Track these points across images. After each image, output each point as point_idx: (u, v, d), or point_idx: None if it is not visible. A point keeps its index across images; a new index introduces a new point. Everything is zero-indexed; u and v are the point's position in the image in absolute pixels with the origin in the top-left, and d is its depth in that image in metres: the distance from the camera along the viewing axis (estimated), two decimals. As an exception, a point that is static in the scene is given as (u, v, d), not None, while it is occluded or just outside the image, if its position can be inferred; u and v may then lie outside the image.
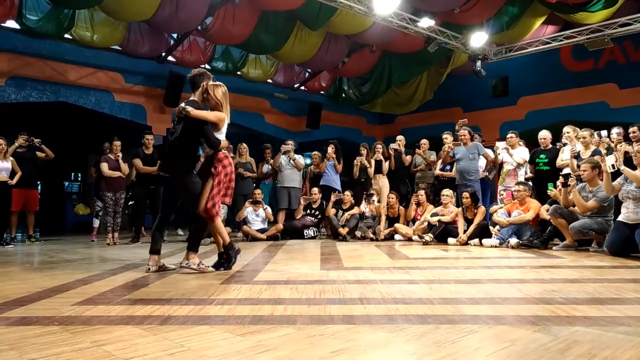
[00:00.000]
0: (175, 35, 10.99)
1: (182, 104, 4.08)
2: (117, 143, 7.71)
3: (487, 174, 8.13)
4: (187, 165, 4.15)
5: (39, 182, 8.73)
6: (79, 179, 14.93)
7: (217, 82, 4.34)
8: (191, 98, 4.22)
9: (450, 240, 6.85)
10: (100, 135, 8.51)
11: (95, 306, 2.83)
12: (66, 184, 14.76)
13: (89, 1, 8.64)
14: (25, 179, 7.59)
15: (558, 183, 6.15)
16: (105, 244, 7.42)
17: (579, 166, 6.08)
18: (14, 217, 7.68)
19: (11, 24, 9.07)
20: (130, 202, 8.75)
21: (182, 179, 4.11)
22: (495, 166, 8.27)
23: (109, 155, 7.71)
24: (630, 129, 6.61)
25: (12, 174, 7.33)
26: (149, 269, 4.16)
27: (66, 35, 9.57)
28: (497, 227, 6.69)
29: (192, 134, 4.09)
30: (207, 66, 11.90)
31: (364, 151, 9.01)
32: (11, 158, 7.37)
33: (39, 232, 9.31)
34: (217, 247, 4.42)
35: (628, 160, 5.73)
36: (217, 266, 4.30)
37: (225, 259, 4.32)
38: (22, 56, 9.35)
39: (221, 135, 4.19)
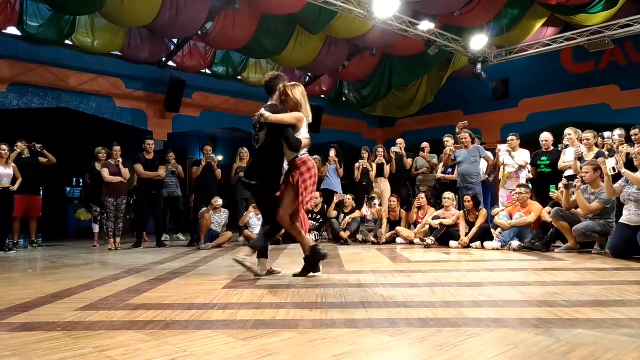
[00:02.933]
0: (175, 41, 11.03)
1: (261, 109, 4.02)
2: (117, 148, 7.72)
3: (488, 176, 8.13)
4: (274, 171, 4.14)
5: (41, 188, 8.72)
6: (81, 184, 14.94)
7: (294, 82, 4.32)
8: (269, 102, 4.20)
9: (452, 243, 6.85)
10: (101, 141, 8.53)
11: (98, 311, 2.83)
12: (68, 189, 14.78)
13: (89, 7, 8.67)
14: (28, 184, 7.62)
15: (560, 185, 6.15)
16: (107, 249, 7.42)
17: (581, 168, 6.07)
18: (16, 222, 7.69)
19: (12, 30, 9.09)
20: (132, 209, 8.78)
21: (268, 186, 4.11)
22: (496, 169, 8.27)
23: (110, 160, 7.73)
24: (632, 131, 6.61)
25: (15, 180, 7.36)
26: (260, 272, 4.04)
27: (67, 42, 9.60)
28: (499, 229, 6.69)
29: (275, 139, 4.05)
30: (207, 71, 11.96)
31: (365, 154, 9.03)
32: (13, 164, 7.39)
33: (42, 238, 9.31)
34: (303, 251, 4.25)
35: (629, 162, 5.72)
36: (304, 271, 4.15)
37: (310, 265, 4.16)
38: (24, 62, 9.38)
39: (301, 135, 4.09)
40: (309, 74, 13.74)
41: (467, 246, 6.70)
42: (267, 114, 3.94)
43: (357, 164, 9.00)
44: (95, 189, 8.13)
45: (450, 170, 8.22)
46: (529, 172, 7.70)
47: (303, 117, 4.11)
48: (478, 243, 6.66)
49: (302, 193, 4.01)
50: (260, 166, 4.15)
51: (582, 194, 5.79)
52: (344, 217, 8.23)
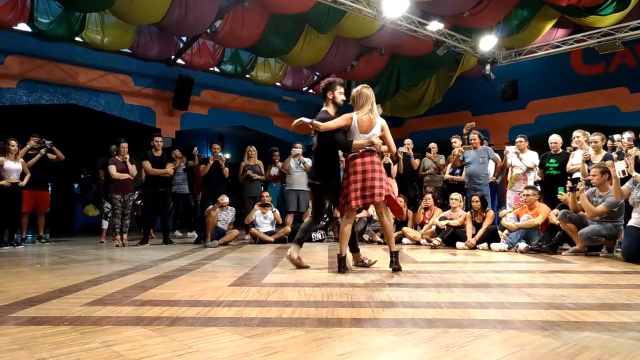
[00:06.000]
0: (184, 39, 11.06)
1: (311, 120, 4.48)
2: (124, 145, 7.74)
3: (495, 178, 8.10)
4: (331, 170, 4.62)
5: (49, 184, 8.77)
6: (89, 180, 15.01)
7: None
8: (323, 108, 4.74)
9: (459, 244, 6.82)
10: (110, 138, 8.57)
11: (105, 307, 2.85)
12: (76, 185, 14.86)
13: (99, 4, 8.72)
14: (36, 180, 7.66)
15: (567, 187, 6.11)
16: (114, 245, 7.46)
17: (589, 171, 6.03)
18: (24, 218, 7.75)
19: (23, 27, 9.15)
20: (139, 202, 8.80)
21: (328, 183, 4.56)
22: (504, 170, 8.24)
23: (117, 157, 7.76)
24: (642, 134, 6.56)
25: (23, 175, 7.41)
26: (290, 254, 4.52)
27: (77, 38, 9.66)
28: (506, 231, 6.66)
29: (325, 142, 4.56)
30: (216, 69, 11.99)
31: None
32: (21, 159, 7.45)
33: (49, 233, 9.38)
34: (389, 246, 4.44)
35: (639, 165, 5.68)
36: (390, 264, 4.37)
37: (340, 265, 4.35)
38: (34, 59, 9.45)
39: (353, 136, 4.43)
40: (317, 73, 13.73)
41: (474, 247, 6.68)
42: (317, 123, 4.39)
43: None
44: (108, 185, 8.17)
45: (458, 171, 8.19)
46: (537, 174, 7.66)
47: (352, 117, 4.45)
48: (485, 244, 6.63)
49: (350, 182, 4.35)
50: (318, 167, 4.67)
51: (590, 197, 5.75)
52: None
